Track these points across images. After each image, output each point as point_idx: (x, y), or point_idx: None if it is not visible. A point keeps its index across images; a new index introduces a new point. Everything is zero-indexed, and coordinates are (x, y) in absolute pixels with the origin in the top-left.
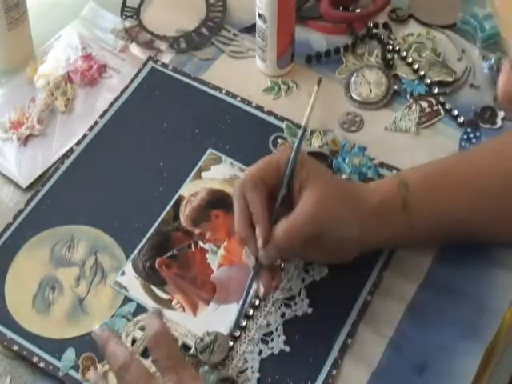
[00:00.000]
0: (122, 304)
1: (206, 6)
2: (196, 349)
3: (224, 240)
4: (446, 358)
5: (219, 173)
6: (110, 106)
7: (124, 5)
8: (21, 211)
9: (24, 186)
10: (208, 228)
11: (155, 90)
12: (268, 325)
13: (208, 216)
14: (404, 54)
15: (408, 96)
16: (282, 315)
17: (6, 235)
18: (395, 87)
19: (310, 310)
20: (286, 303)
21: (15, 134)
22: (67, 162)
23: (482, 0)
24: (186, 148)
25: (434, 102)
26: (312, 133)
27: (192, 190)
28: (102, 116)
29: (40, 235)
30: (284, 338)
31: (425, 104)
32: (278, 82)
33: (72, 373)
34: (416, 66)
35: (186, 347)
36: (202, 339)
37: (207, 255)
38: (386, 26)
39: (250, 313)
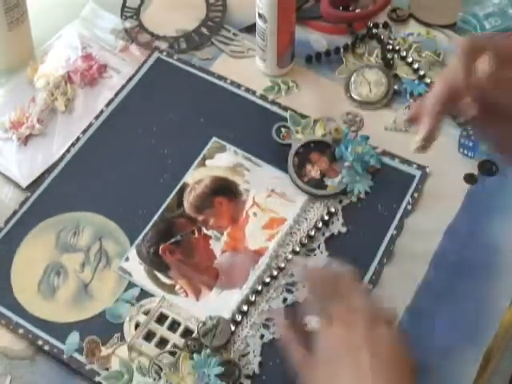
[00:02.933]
0: (126, 289)
1: (206, 5)
2: (198, 332)
3: (227, 226)
4: (446, 358)
5: (223, 161)
6: (116, 94)
7: (124, 5)
8: (27, 198)
9: (24, 186)
10: (211, 215)
11: (161, 79)
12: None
13: (211, 203)
14: (404, 53)
15: (408, 96)
16: (284, 300)
17: (12, 222)
18: (395, 87)
19: None
20: (288, 288)
21: (15, 134)
22: (73, 151)
23: (482, 0)
24: (190, 136)
25: None
26: (315, 121)
27: (196, 178)
28: (107, 105)
29: (46, 222)
30: None
31: None
32: (278, 81)
33: (76, 355)
34: (416, 66)
35: (188, 331)
36: (204, 323)
37: (210, 241)
38: (386, 25)
39: (252, 298)
